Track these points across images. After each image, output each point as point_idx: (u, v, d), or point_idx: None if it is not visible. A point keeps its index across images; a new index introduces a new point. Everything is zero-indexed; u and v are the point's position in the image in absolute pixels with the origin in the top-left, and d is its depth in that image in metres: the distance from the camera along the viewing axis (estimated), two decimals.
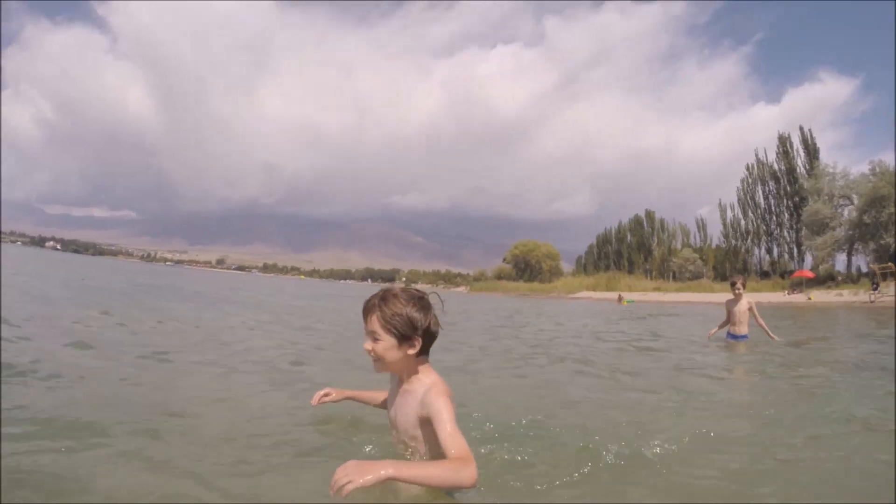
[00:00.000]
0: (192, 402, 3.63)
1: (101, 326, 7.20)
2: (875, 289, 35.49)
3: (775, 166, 63.51)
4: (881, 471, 2.71)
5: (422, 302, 2.26)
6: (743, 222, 66.67)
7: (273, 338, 7.88)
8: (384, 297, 2.24)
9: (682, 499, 2.36)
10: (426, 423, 2.12)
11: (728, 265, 64.40)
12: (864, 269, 45.99)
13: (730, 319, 8.56)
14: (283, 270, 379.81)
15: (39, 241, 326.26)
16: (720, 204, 69.11)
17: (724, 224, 68.47)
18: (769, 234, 64.25)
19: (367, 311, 2.26)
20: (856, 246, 47.70)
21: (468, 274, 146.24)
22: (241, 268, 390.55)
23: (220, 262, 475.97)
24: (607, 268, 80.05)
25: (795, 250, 60.90)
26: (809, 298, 38.67)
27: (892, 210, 41.63)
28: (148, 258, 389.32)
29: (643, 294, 54.82)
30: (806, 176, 57.69)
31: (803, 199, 56.63)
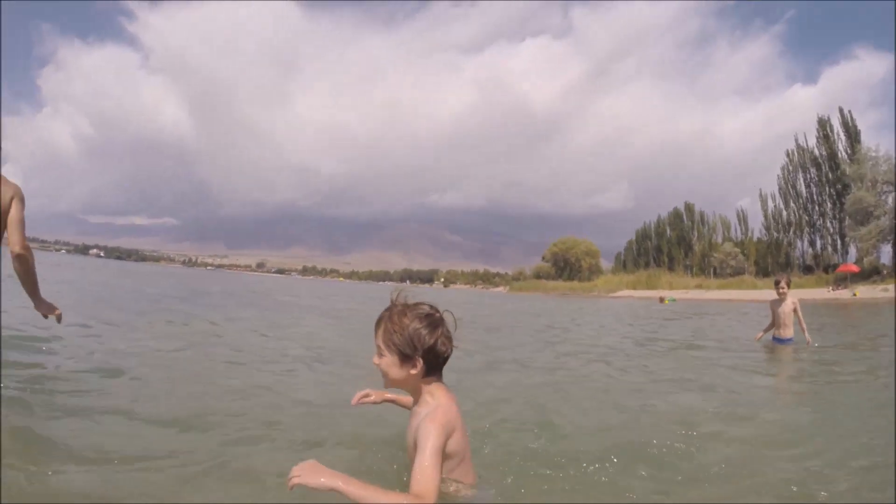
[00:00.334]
0: None
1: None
2: None
3: (816, 152, 61.41)
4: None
5: (429, 319, 2.18)
6: (785, 213, 64.96)
7: None
8: (391, 312, 2.21)
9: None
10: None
11: (770, 259, 63.00)
12: None
13: (774, 321, 8.17)
14: (322, 273, 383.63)
15: (83, 249, 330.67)
16: (761, 194, 67.62)
17: (766, 215, 67.00)
18: (812, 225, 62.44)
19: (376, 323, 2.24)
20: None
21: (507, 273, 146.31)
22: (280, 271, 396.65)
23: (260, 265, 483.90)
24: (647, 264, 79.00)
25: (839, 242, 59.30)
26: (854, 294, 38.23)
27: None
28: (189, 263, 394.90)
29: (685, 292, 54.61)
30: (847, 161, 55.31)
31: (846, 187, 54.61)
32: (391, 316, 2.20)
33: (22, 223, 3.69)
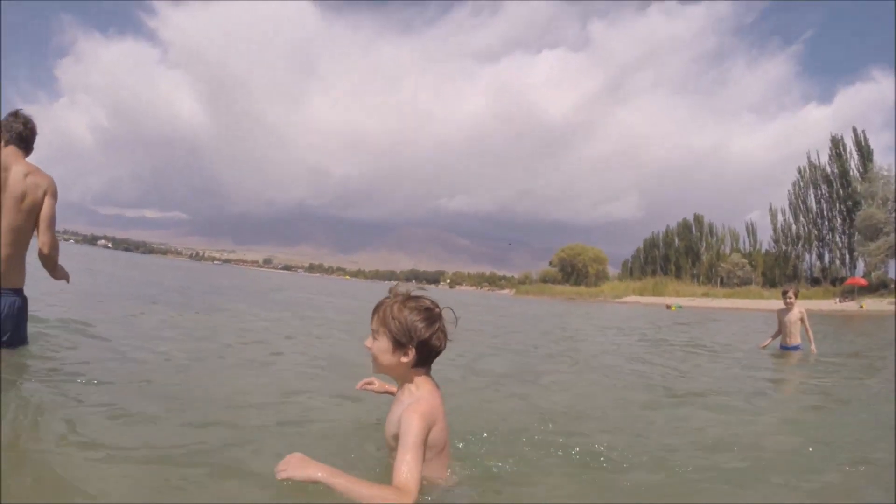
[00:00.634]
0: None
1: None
2: None
3: (828, 169, 62.18)
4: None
5: (428, 313, 2.21)
6: (794, 227, 65.52)
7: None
8: (392, 300, 2.24)
9: None
10: (398, 440, 2.06)
11: (778, 271, 63.19)
12: None
13: (781, 330, 8.40)
14: (329, 271, 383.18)
15: (92, 240, 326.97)
16: (770, 208, 68.08)
17: (775, 229, 67.47)
18: (821, 239, 63.05)
19: (376, 308, 2.26)
20: None
21: (513, 277, 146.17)
22: (287, 267, 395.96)
23: (267, 261, 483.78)
24: (654, 273, 79.28)
25: (847, 256, 59.84)
26: (861, 307, 38.34)
27: None
28: (196, 257, 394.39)
29: (691, 300, 54.62)
30: (859, 179, 56.33)
31: (856, 204, 55.46)
32: (392, 303, 2.22)
33: (54, 221, 3.76)
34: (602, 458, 2.82)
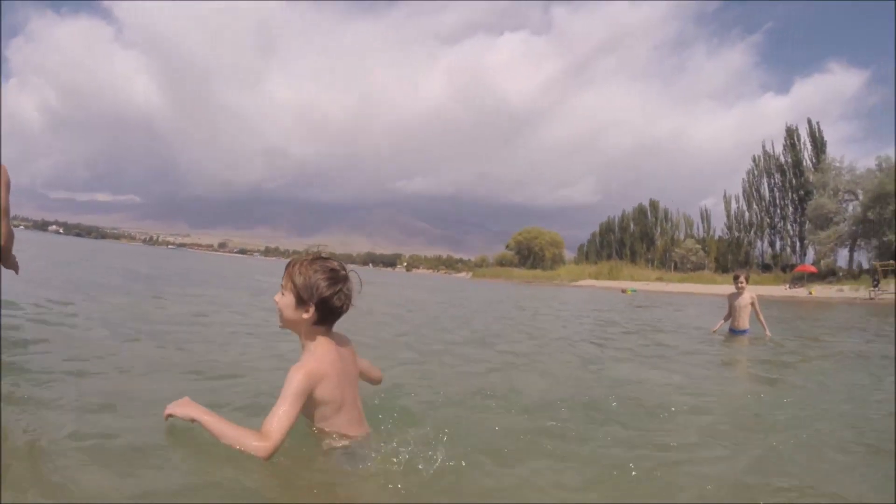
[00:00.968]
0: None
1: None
2: (876, 286, 35.48)
3: (782, 159, 63.67)
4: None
5: (333, 274, 2.24)
6: (747, 214, 67.00)
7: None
8: (302, 258, 2.28)
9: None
10: None
11: (730, 257, 64.55)
12: (866, 266, 45.99)
13: (731, 314, 8.52)
14: (286, 254, 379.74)
15: (42, 226, 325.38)
16: (725, 195, 69.49)
17: (728, 215, 68.93)
18: (773, 226, 64.54)
19: (287, 265, 2.30)
20: (858, 242, 47.80)
21: (470, 260, 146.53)
22: (243, 251, 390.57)
23: (222, 245, 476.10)
24: (609, 256, 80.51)
25: (798, 244, 61.31)
26: (810, 293, 38.85)
27: (895, 207, 41.67)
28: (150, 241, 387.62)
29: (646, 284, 55.13)
30: (812, 169, 57.77)
31: (808, 193, 56.59)
32: (301, 261, 2.27)
33: (7, 211, 3.58)
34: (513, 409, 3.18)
